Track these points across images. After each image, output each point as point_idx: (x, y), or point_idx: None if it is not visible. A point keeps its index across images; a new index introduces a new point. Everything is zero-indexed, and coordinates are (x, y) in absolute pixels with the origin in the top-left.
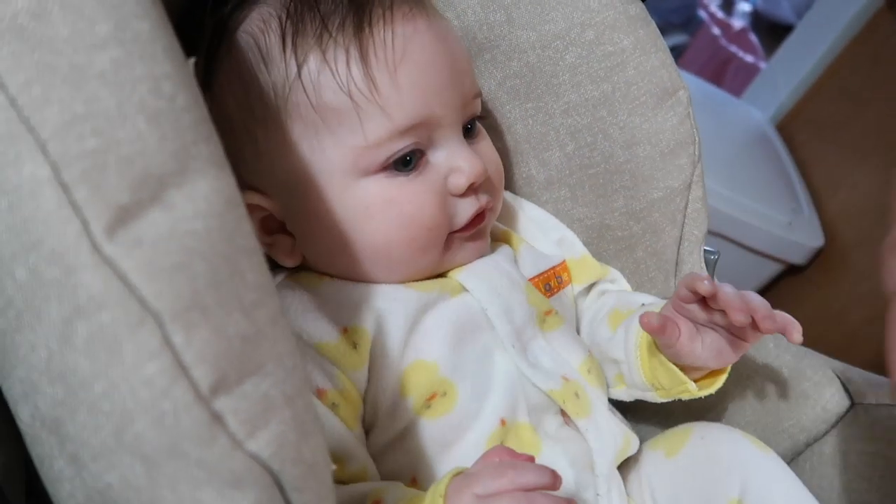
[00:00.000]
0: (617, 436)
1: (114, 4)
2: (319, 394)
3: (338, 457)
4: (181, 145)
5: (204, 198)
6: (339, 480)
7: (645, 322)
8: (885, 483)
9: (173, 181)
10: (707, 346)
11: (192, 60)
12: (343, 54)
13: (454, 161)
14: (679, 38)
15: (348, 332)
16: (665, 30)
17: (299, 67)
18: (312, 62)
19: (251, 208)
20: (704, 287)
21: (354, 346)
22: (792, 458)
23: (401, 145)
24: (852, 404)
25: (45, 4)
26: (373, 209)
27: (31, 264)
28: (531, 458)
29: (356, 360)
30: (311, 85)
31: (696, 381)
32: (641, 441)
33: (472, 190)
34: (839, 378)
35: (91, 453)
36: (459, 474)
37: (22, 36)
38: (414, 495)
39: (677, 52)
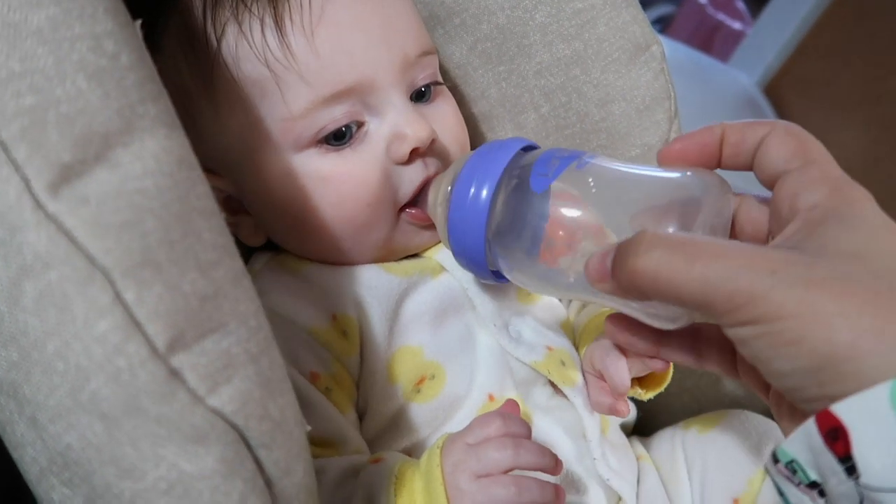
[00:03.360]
0: None
1: None
2: (313, 377)
3: (332, 440)
4: (126, 103)
5: (153, 156)
6: None
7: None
8: None
9: (119, 140)
10: (634, 370)
11: (139, 22)
12: (258, 23)
13: (396, 126)
14: (666, 9)
15: (337, 319)
16: (652, 0)
17: (218, 41)
18: (230, 35)
19: None
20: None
21: (344, 333)
22: None
23: (329, 116)
24: None
25: None
26: (309, 187)
27: None
28: (514, 405)
29: (348, 346)
30: (231, 58)
31: (641, 384)
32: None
33: (416, 155)
34: None
35: (49, 415)
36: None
37: None
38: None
39: (665, 23)
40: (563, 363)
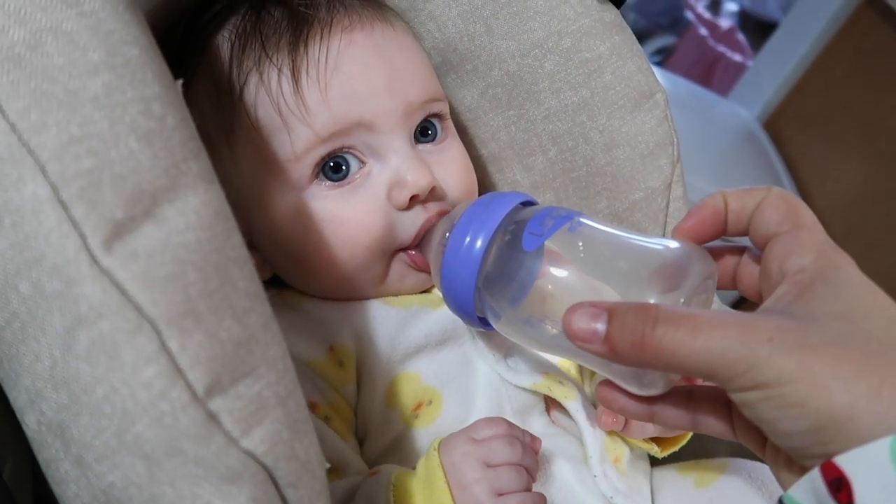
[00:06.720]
0: None
1: (105, 32)
2: (312, 407)
3: (334, 467)
4: (172, 162)
5: (194, 211)
6: None
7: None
8: None
9: (165, 196)
10: (656, 426)
11: (179, 82)
12: (276, 73)
13: (397, 172)
14: (667, 40)
15: (334, 350)
16: (652, 32)
17: (241, 89)
18: (252, 83)
19: None
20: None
21: (341, 364)
22: None
23: (326, 150)
24: None
25: (40, 35)
26: (311, 227)
27: (33, 278)
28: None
29: (344, 377)
30: (250, 105)
31: (658, 442)
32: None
33: (416, 202)
34: None
35: (95, 454)
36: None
37: (19, 65)
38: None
39: (665, 54)
40: (560, 383)
